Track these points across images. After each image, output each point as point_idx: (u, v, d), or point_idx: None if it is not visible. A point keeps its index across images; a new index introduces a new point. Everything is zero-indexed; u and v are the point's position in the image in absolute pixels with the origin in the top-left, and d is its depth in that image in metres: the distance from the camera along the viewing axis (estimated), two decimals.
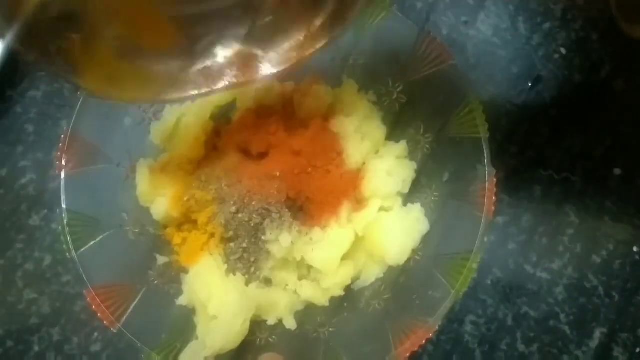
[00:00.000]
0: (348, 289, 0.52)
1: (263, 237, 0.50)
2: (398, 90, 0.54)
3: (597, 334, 0.59)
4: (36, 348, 0.58)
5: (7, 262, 0.60)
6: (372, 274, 0.52)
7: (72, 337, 0.58)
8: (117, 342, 0.58)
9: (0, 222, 0.61)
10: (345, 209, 0.51)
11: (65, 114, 0.62)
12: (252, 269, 0.50)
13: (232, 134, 0.53)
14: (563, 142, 0.64)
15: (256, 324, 0.50)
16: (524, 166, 0.63)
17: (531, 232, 0.62)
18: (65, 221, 0.47)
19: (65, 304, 0.59)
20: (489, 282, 0.61)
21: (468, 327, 0.59)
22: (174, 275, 0.51)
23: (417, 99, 0.53)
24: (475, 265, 0.47)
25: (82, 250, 0.47)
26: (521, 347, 0.59)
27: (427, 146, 0.53)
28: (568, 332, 0.59)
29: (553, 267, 0.61)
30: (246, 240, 0.50)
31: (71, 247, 0.47)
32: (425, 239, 0.51)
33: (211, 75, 0.43)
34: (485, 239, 0.60)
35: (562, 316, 0.60)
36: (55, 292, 0.59)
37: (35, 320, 0.59)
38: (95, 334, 0.58)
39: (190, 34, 0.42)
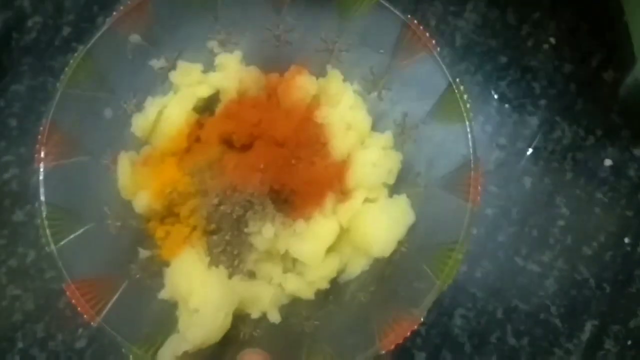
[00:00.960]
0: (333, 281, 0.51)
1: (246, 230, 0.49)
2: (383, 80, 0.53)
3: (589, 326, 0.59)
4: (20, 344, 0.57)
5: None
6: (358, 266, 0.51)
7: (56, 334, 0.57)
8: (101, 338, 0.57)
9: None
10: (329, 200, 0.50)
11: (49, 108, 0.61)
12: (236, 262, 0.50)
13: (215, 126, 0.53)
14: (553, 133, 0.63)
15: (239, 318, 0.49)
16: (513, 157, 0.62)
17: (521, 224, 0.61)
18: (44, 214, 0.46)
19: (49, 300, 0.58)
20: (479, 275, 0.60)
21: (458, 321, 0.59)
22: (157, 269, 0.50)
23: (403, 89, 0.53)
24: (460, 256, 0.46)
25: (62, 243, 0.46)
26: (511, 341, 0.58)
27: (413, 136, 0.52)
28: (559, 324, 0.59)
29: (543, 259, 0.60)
30: (229, 233, 0.49)
31: (50, 240, 0.46)
32: (411, 230, 0.50)
33: None
34: (475, 231, 0.60)
35: (552, 309, 0.59)
36: (39, 288, 0.58)
37: (19, 316, 0.58)
38: (80, 330, 0.57)
39: None
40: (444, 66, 0.49)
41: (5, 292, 0.58)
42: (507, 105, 0.63)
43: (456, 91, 0.48)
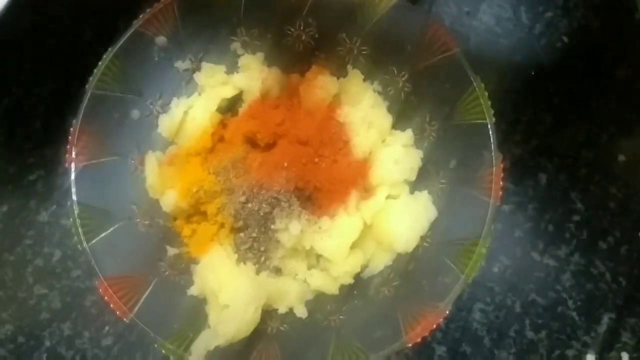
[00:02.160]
0: (357, 277, 0.52)
1: (272, 226, 0.50)
2: (403, 79, 0.54)
3: (605, 319, 0.60)
4: (47, 343, 0.58)
5: (16, 258, 0.60)
6: (381, 261, 0.52)
7: (83, 332, 0.58)
8: (128, 335, 0.58)
9: (9, 219, 0.61)
10: (353, 197, 0.52)
11: (72, 110, 0.62)
12: (262, 258, 0.51)
13: (239, 126, 0.54)
14: (567, 130, 0.64)
15: (267, 313, 0.50)
16: (528, 154, 0.63)
17: (537, 220, 0.62)
18: (76, 213, 0.47)
19: (75, 298, 0.59)
20: (496, 270, 0.61)
21: (476, 315, 0.60)
22: (185, 266, 0.51)
23: (423, 88, 0.54)
24: (484, 250, 0.47)
25: (93, 242, 0.48)
26: (530, 334, 0.59)
27: (434, 134, 0.54)
28: (576, 318, 0.60)
29: (559, 254, 0.61)
30: (256, 230, 0.50)
31: (82, 238, 0.47)
32: (434, 226, 0.52)
33: None
34: (493, 227, 0.61)
35: (569, 302, 0.60)
36: (65, 287, 0.59)
37: (46, 315, 0.59)
38: (107, 328, 0.58)
39: None
40: (466, 63, 0.49)
41: (32, 291, 0.59)
42: (521, 103, 0.64)
43: (477, 90, 0.49)
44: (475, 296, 0.60)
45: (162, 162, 0.53)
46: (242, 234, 0.51)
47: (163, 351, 0.46)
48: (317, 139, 0.53)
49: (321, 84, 0.55)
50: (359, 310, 0.51)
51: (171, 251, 0.52)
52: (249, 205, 0.50)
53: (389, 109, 0.55)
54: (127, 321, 0.46)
